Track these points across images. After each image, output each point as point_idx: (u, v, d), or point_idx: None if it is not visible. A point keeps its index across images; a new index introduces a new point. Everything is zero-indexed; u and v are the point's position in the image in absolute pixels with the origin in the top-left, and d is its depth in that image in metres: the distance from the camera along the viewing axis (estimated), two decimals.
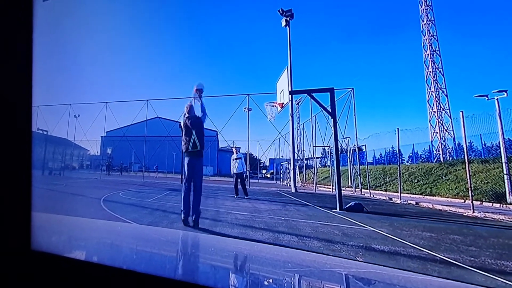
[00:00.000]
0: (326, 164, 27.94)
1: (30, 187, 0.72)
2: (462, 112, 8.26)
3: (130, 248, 1.23)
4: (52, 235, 1.17)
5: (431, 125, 28.73)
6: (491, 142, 14.76)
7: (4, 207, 0.69)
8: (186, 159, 4.81)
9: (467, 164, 8.06)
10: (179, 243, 1.38)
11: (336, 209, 7.39)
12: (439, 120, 28.09)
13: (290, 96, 11.09)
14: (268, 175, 46.62)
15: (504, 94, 7.66)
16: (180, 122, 5.24)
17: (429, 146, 24.59)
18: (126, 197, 8.65)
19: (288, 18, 16.24)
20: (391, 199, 11.80)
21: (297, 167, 20.25)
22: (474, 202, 7.95)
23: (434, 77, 28.84)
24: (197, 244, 1.39)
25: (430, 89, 29.06)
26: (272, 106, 12.72)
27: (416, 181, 15.60)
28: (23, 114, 0.72)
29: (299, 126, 29.68)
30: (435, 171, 15.28)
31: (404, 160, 23.67)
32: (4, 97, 0.70)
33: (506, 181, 7.40)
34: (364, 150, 17.40)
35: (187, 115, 4.93)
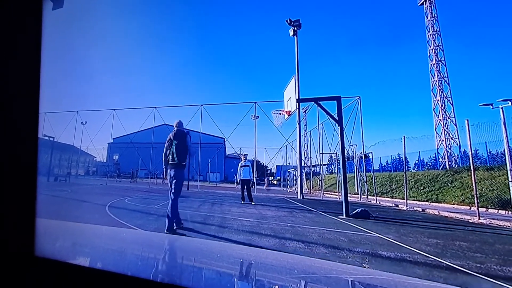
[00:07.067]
0: (333, 171, 27.99)
1: (35, 193, 0.71)
2: (467, 120, 8.35)
3: (135, 255, 1.22)
4: (56, 241, 1.17)
5: (436, 133, 28.81)
6: (496, 150, 15.00)
7: (9, 212, 0.68)
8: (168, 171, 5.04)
9: (472, 171, 8.11)
10: (185, 250, 1.37)
11: (342, 215, 7.44)
12: (444, 128, 28.15)
13: (297, 104, 11.13)
14: (275, 182, 46.65)
15: (508, 103, 7.70)
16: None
17: (435, 153, 24.60)
18: (132, 203, 8.68)
19: (296, 28, 16.48)
20: (397, 206, 11.79)
21: (304, 174, 20.24)
22: (479, 209, 8.00)
23: (439, 86, 29.01)
24: (203, 250, 1.37)
25: (436, 97, 29.23)
26: (279, 113, 12.76)
27: (422, 188, 15.58)
28: (29, 120, 0.71)
29: (306, 133, 29.78)
30: (441, 178, 15.26)
31: (410, 167, 23.68)
32: (11, 103, 0.69)
33: (511, 188, 7.40)
34: (370, 157, 17.40)
35: (175, 129, 5.34)
